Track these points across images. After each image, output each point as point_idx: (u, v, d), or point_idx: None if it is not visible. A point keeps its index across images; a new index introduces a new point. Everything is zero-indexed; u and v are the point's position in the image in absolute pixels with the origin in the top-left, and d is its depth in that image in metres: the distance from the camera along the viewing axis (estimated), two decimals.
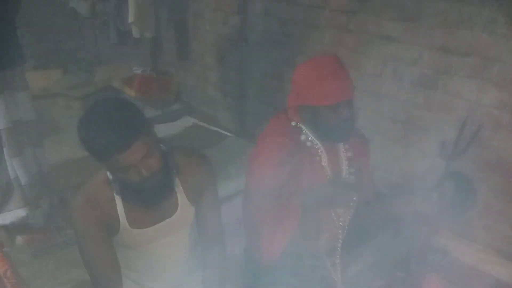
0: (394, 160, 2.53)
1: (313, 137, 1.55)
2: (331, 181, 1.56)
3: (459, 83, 2.14)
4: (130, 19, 3.33)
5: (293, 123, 1.57)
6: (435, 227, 2.17)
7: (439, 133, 2.26)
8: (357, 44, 2.52)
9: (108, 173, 1.25)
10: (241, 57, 3.28)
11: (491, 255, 2.22)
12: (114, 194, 1.25)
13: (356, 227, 1.69)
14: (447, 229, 2.32)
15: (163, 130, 3.47)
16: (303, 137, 1.56)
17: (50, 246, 2.10)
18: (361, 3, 2.43)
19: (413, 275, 1.84)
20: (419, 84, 2.30)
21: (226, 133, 3.54)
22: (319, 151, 1.56)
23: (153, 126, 1.23)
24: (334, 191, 1.52)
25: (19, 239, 2.14)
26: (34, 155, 2.08)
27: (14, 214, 2.05)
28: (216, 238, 1.48)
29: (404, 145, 2.47)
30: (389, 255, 1.79)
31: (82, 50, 5.04)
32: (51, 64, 4.55)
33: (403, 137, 2.46)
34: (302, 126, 1.56)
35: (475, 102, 2.11)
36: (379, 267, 1.76)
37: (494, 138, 2.08)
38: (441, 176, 1.64)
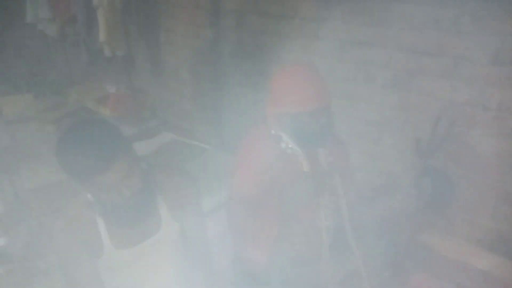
0: (372, 161, 2.57)
1: (293, 145, 1.57)
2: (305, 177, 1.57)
3: (431, 83, 2.20)
4: (101, 38, 3.31)
5: (272, 132, 1.58)
6: (418, 224, 2.22)
7: (414, 133, 2.31)
8: (328, 50, 2.56)
9: (88, 195, 1.23)
10: (215, 70, 3.29)
11: (473, 248, 2.26)
12: (96, 215, 1.23)
13: (341, 230, 1.70)
14: (430, 226, 2.36)
15: (141, 147, 3.43)
16: (283, 145, 1.57)
17: (31, 275, 2.04)
18: (330, 11, 2.48)
19: (401, 273, 1.87)
20: (391, 86, 2.35)
21: (205, 146, 3.53)
22: (300, 158, 1.58)
23: (132, 145, 1.22)
24: (309, 182, 1.52)
25: None
26: (10, 182, 2.04)
27: None
28: (203, 253, 1.47)
29: (380, 146, 2.52)
30: (375, 255, 1.81)
31: (53, 73, 4.97)
32: (22, 88, 4.46)
33: (379, 139, 2.51)
34: (282, 134, 1.57)
35: (448, 100, 2.16)
36: (367, 269, 1.78)
37: (468, 134, 2.14)
38: (418, 174, 1.68)
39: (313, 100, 1.46)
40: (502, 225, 2.19)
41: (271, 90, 1.54)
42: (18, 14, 4.02)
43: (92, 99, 4.12)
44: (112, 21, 3.29)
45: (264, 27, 2.86)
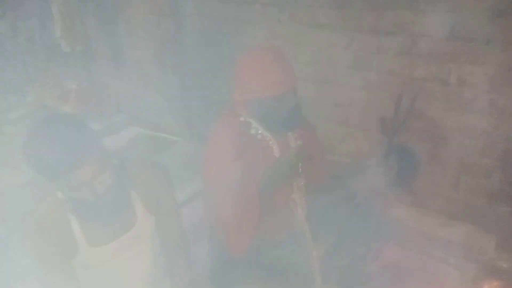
0: (341, 142, 2.62)
1: (262, 130, 1.58)
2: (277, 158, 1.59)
3: (391, 61, 2.26)
4: (58, 33, 3.20)
5: (242, 118, 1.58)
6: (387, 200, 2.29)
7: (379, 112, 2.37)
8: (291, 35, 2.58)
9: (58, 194, 1.21)
10: (178, 59, 3.25)
11: (440, 218, 2.36)
12: (68, 214, 1.21)
13: (314, 212, 1.74)
14: (398, 200, 2.44)
15: (107, 143, 3.36)
16: (253, 131, 1.58)
17: (1, 280, 1.99)
18: None
19: (373, 248, 1.94)
20: (354, 66, 2.39)
21: (173, 137, 3.49)
22: (270, 143, 1.59)
23: (103, 141, 1.20)
24: (282, 164, 1.54)
25: None
26: None
27: None
28: (179, 245, 1.47)
29: (348, 127, 2.57)
30: (348, 233, 1.86)
31: (8, 71, 4.76)
32: None
33: (346, 120, 2.56)
34: (251, 120, 1.58)
35: (408, 77, 2.23)
36: (341, 246, 1.83)
37: (428, 108, 2.21)
38: (385, 151, 1.73)
39: (279, 84, 1.47)
40: (464, 195, 2.29)
41: (236, 76, 1.53)
42: None
43: (52, 96, 3.99)
44: (69, 14, 3.19)
45: (226, 14, 2.84)
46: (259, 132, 1.58)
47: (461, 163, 2.24)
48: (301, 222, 1.69)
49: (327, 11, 2.37)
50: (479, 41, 1.99)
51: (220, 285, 1.75)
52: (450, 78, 2.12)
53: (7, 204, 2.52)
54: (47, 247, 1.19)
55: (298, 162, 1.54)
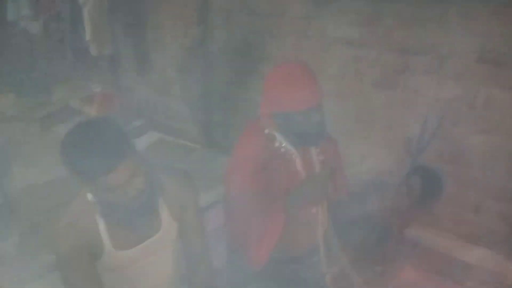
0: (361, 159, 2.61)
1: (286, 143, 1.59)
2: (305, 180, 1.59)
3: (418, 80, 2.25)
4: (87, 37, 3.27)
5: (266, 131, 1.60)
6: (406, 220, 2.26)
7: (402, 130, 2.36)
8: (317, 49, 2.59)
9: (88, 195, 1.23)
10: (204, 68, 3.29)
11: (459, 242, 2.33)
12: (97, 216, 1.23)
13: (334, 227, 1.74)
14: (418, 221, 2.42)
15: None
16: (277, 144, 1.59)
17: (23, 277, 2.02)
18: (319, 10, 2.51)
19: (391, 267, 1.92)
20: (379, 84, 2.39)
21: (193, 145, 3.52)
22: (293, 156, 1.60)
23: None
24: (310, 187, 1.55)
25: None
26: (0, 183, 2.02)
27: None
28: (202, 252, 1.47)
29: (369, 143, 2.56)
30: (366, 251, 1.85)
31: (36, 71, 4.88)
32: (3, 87, 4.38)
33: (368, 136, 2.55)
34: (275, 133, 1.59)
35: (434, 97, 2.22)
36: (358, 264, 1.82)
37: (454, 130, 2.20)
38: (408, 171, 1.72)
39: (306, 99, 1.48)
40: (485, 219, 2.26)
41: (265, 89, 1.55)
42: None
43: (77, 98, 4.07)
44: (98, 19, 3.26)
45: (253, 25, 2.87)
46: (283, 145, 1.59)
47: (484, 187, 2.21)
48: (319, 237, 1.69)
49: (355, 27, 2.38)
50: (507, 65, 1.98)
51: None
52: (476, 100, 2.10)
53: (33, 200, 2.57)
54: (74, 247, 1.20)
55: (327, 186, 1.55)
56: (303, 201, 1.55)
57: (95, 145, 1.08)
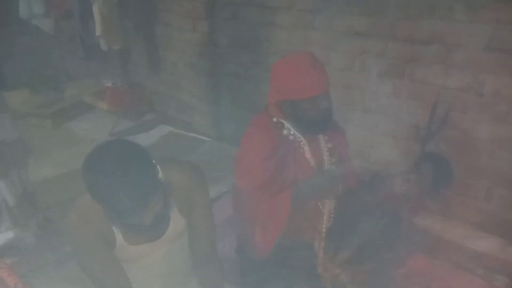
0: (370, 149, 2.63)
1: (294, 131, 1.62)
2: (317, 174, 1.62)
3: (425, 70, 2.26)
4: (97, 32, 3.32)
5: (275, 119, 1.63)
6: (416, 207, 2.28)
7: (409, 119, 2.37)
8: (324, 41, 2.61)
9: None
10: (212, 62, 3.32)
11: (469, 229, 2.33)
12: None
13: (342, 214, 1.76)
14: (427, 209, 2.43)
15: (139, 140, 3.43)
16: (285, 132, 1.62)
17: (40, 266, 2.08)
18: (325, 2, 2.52)
19: (399, 255, 1.93)
20: (387, 74, 2.40)
21: (203, 138, 3.56)
22: (302, 144, 1.63)
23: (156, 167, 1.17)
24: (322, 184, 1.58)
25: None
26: (19, 176, 2.07)
27: (3, 236, 2.03)
28: (209, 249, 1.45)
29: (377, 133, 2.57)
30: (375, 238, 1.86)
31: (48, 68, 4.95)
32: (17, 84, 4.45)
33: (376, 126, 2.56)
34: (284, 122, 1.62)
35: (442, 86, 2.22)
36: (367, 251, 1.83)
37: (462, 118, 2.20)
38: (417, 158, 1.73)
39: (314, 87, 1.51)
40: (495, 207, 2.26)
41: (273, 78, 1.58)
42: (11, 10, 4.00)
43: (89, 93, 4.13)
44: (108, 15, 3.30)
45: (261, 19, 2.89)
46: (291, 133, 1.62)
47: (494, 175, 2.21)
48: (326, 224, 1.71)
49: (361, 19, 2.39)
50: None
51: (247, 283, 1.78)
52: (484, 89, 2.10)
53: (48, 194, 2.63)
54: (89, 236, 1.21)
55: (338, 183, 1.58)
56: (311, 195, 1.58)
57: (123, 188, 1.03)
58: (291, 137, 1.62)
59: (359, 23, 2.41)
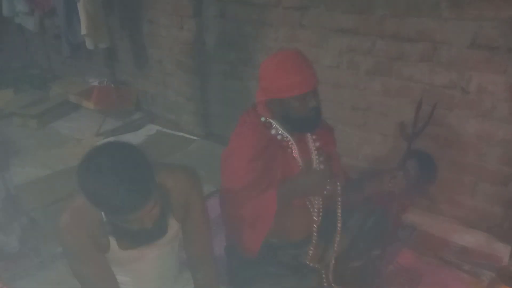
0: (358, 146, 2.64)
1: (282, 130, 1.61)
2: (304, 172, 1.62)
3: (412, 67, 2.27)
4: (83, 31, 3.27)
5: (263, 119, 1.61)
6: (403, 204, 2.29)
7: (397, 116, 2.39)
8: (312, 38, 2.61)
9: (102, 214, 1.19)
10: (200, 60, 3.30)
11: (456, 225, 2.36)
12: (105, 222, 1.20)
13: (330, 212, 1.76)
14: (414, 205, 2.45)
15: (126, 140, 3.42)
16: (273, 131, 1.61)
17: (27, 268, 2.06)
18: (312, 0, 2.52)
19: (388, 252, 1.95)
20: (374, 72, 2.41)
21: (191, 137, 3.55)
22: (290, 143, 1.62)
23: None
24: (309, 182, 1.58)
25: None
26: (2, 179, 2.03)
27: None
28: (204, 251, 1.46)
29: (365, 130, 2.59)
30: (363, 235, 1.87)
31: (33, 67, 4.88)
32: (0, 84, 4.38)
33: (364, 124, 2.58)
34: (272, 121, 1.61)
35: (428, 84, 2.24)
36: (356, 247, 1.84)
37: (448, 115, 2.22)
38: (403, 155, 1.74)
39: (301, 85, 1.49)
40: (481, 202, 2.29)
41: (260, 76, 1.57)
42: None
43: (75, 92, 4.07)
44: (94, 13, 3.25)
45: (248, 17, 2.88)
46: (279, 132, 1.61)
47: (479, 171, 2.24)
48: (315, 223, 1.71)
49: (349, 16, 2.40)
50: (500, 50, 2.00)
51: (236, 282, 1.78)
52: (470, 85, 2.13)
53: (32, 196, 2.59)
54: (81, 239, 1.19)
55: (325, 182, 1.58)
56: (297, 193, 1.58)
57: (122, 183, 1.02)
58: (279, 137, 1.61)
59: (347, 21, 2.42)
